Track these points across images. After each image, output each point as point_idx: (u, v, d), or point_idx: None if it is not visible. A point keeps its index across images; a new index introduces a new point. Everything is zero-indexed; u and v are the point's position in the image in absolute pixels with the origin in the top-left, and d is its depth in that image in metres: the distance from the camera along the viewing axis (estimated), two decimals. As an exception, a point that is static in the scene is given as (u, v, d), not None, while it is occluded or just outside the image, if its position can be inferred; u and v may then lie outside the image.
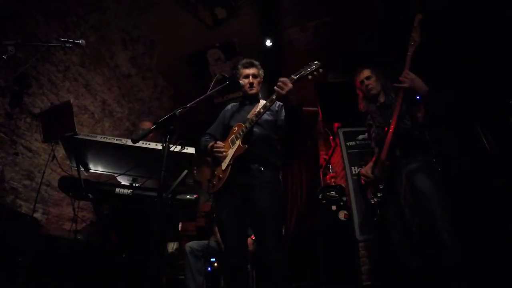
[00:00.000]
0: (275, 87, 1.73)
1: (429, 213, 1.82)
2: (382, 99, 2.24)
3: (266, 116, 1.90)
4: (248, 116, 1.89)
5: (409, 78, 1.93)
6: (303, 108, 4.84)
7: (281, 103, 1.96)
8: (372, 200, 2.13)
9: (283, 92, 1.69)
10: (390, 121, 1.99)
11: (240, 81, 2.05)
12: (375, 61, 2.44)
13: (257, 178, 1.78)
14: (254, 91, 2.05)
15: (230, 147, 1.86)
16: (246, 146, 1.79)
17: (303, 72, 1.71)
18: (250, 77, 2.04)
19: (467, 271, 1.69)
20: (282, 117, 1.97)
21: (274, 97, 1.76)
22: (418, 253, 1.91)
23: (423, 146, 2.07)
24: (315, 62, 1.72)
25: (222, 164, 1.85)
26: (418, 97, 1.99)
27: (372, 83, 2.25)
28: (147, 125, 3.18)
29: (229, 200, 1.81)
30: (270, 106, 1.79)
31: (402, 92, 1.97)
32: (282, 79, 1.72)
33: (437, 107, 2.03)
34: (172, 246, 3.77)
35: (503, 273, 1.98)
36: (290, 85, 1.69)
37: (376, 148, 2.20)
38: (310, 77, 1.71)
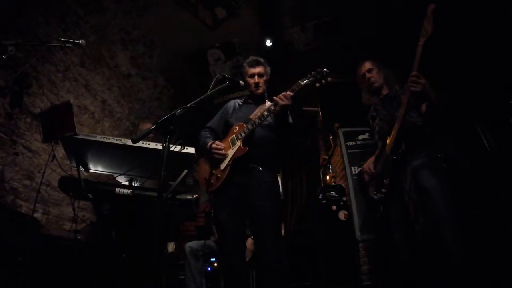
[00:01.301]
0: (274, 98, 1.75)
1: (433, 211, 1.76)
2: (385, 91, 2.14)
3: (268, 118, 1.90)
4: (251, 117, 1.87)
5: (420, 83, 1.78)
6: (304, 108, 4.86)
7: None
8: (375, 196, 2.04)
9: (278, 108, 1.73)
10: (396, 113, 1.90)
11: (240, 81, 2.00)
12: (377, 52, 2.37)
13: (255, 178, 1.78)
14: (260, 91, 2.01)
15: (230, 147, 1.84)
16: (247, 148, 1.77)
17: (312, 79, 1.71)
18: (256, 77, 1.99)
19: (468, 271, 1.69)
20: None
21: (273, 106, 1.78)
22: (420, 252, 1.88)
23: (429, 142, 1.98)
24: (324, 70, 1.71)
25: (221, 164, 1.84)
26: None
27: (374, 75, 2.14)
28: (148, 126, 3.18)
29: (228, 200, 1.81)
30: (275, 110, 1.78)
31: (410, 92, 1.83)
32: (284, 93, 1.73)
33: (440, 112, 1.97)
34: (172, 246, 3.77)
35: (503, 274, 1.98)
36: (288, 102, 1.70)
37: (379, 141, 2.11)
38: (318, 84, 1.70)
